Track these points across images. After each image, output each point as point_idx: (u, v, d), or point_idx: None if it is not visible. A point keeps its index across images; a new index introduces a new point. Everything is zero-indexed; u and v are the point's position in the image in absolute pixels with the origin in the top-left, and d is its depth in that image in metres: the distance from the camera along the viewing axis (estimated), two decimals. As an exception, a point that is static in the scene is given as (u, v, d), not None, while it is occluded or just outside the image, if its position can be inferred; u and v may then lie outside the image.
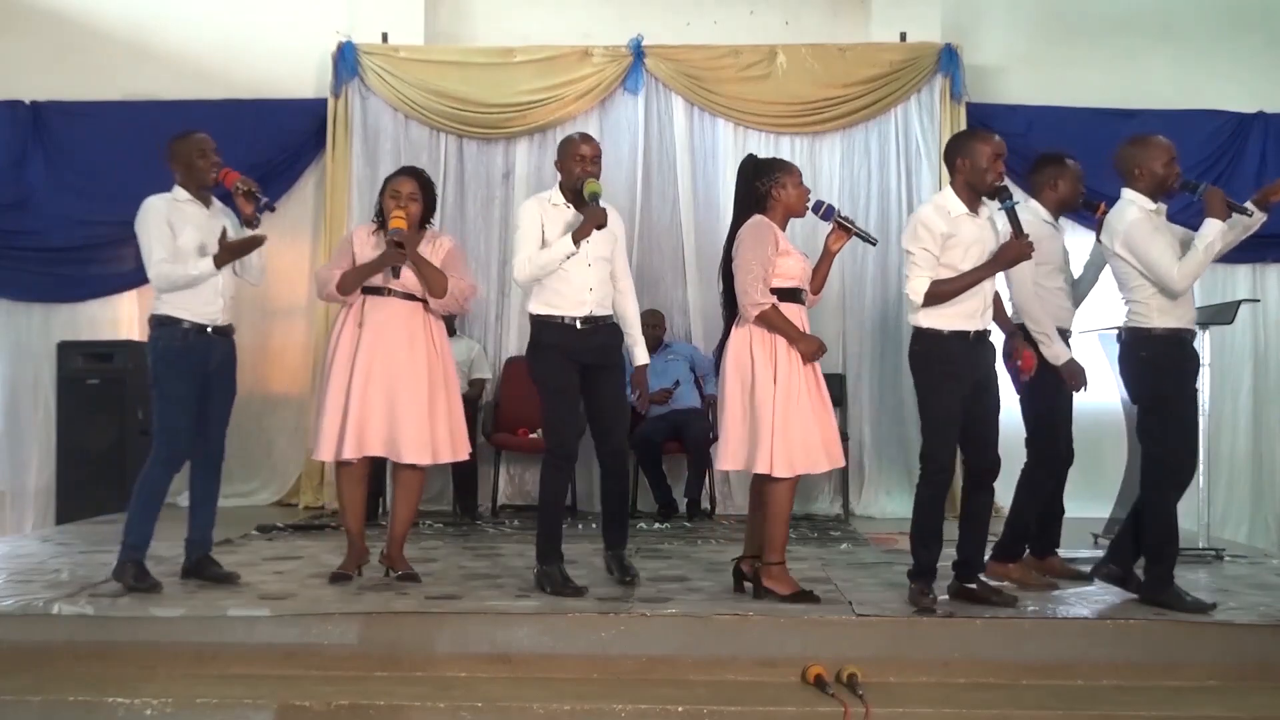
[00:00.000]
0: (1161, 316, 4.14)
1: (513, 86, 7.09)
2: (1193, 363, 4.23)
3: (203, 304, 4.35)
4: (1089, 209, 4.68)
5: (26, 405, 7.18)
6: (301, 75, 7.24)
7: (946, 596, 4.15)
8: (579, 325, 4.35)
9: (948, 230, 4.03)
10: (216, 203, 4.52)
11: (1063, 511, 4.75)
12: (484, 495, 6.74)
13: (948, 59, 7.03)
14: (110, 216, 6.58)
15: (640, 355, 4.59)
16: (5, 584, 4.41)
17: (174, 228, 4.32)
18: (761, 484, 4.22)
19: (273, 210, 4.41)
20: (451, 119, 7.13)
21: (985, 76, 7.19)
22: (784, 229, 4.26)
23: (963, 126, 6.93)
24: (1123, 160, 4.25)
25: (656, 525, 6.35)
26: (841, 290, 7.07)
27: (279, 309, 7.13)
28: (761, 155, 6.92)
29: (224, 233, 4.37)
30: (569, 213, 4.38)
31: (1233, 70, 7.17)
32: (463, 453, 4.55)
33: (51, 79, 7.20)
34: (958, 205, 4.09)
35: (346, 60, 7.11)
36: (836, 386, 6.92)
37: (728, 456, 4.19)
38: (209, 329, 4.37)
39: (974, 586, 4.14)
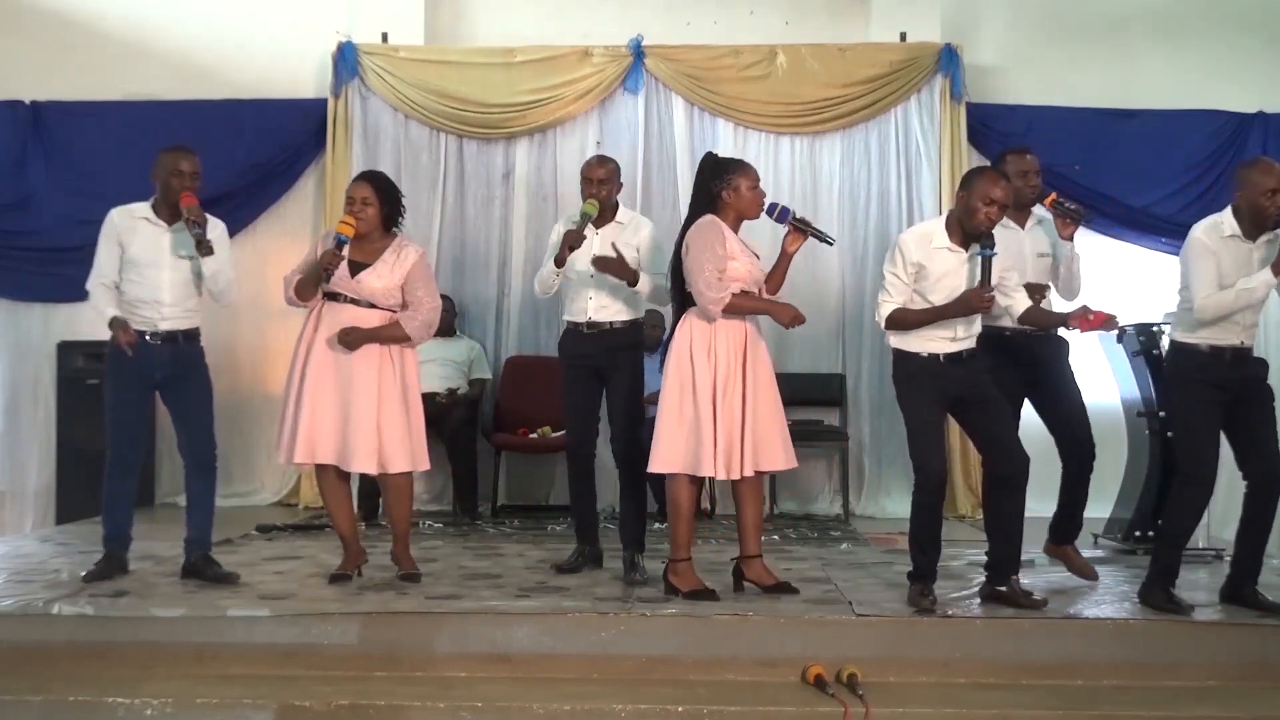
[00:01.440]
0: (1185, 331, 4.19)
1: (513, 86, 7.08)
2: (1200, 377, 4.13)
3: (137, 313, 4.44)
4: (1039, 200, 4.59)
5: (26, 405, 7.18)
6: (301, 75, 7.23)
7: (955, 596, 4.17)
8: (584, 330, 4.65)
9: (920, 260, 4.08)
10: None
11: (1084, 503, 4.70)
12: (484, 495, 6.74)
13: (948, 59, 7.02)
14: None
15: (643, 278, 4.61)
16: (5, 584, 4.42)
17: (124, 241, 4.46)
18: (740, 483, 4.28)
19: (204, 241, 4.35)
20: (451, 119, 7.13)
21: (985, 76, 7.18)
22: (737, 230, 4.28)
23: (963, 127, 6.95)
24: (1233, 178, 4.24)
25: (656, 525, 6.33)
26: (841, 290, 7.08)
27: (279, 310, 7.07)
28: (762, 155, 7.05)
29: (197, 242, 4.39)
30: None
31: (1233, 70, 7.15)
32: (421, 464, 4.52)
33: (51, 79, 7.19)
34: (941, 237, 4.13)
35: (346, 60, 7.10)
36: (836, 386, 6.96)
37: (660, 458, 4.19)
38: (148, 336, 4.43)
39: (1005, 589, 4.13)
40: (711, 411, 4.13)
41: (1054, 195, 4.47)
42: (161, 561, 4.83)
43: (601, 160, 4.79)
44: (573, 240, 4.53)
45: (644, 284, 4.60)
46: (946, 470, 4.23)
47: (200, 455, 4.59)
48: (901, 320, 4.11)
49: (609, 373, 4.67)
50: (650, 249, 4.73)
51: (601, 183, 4.67)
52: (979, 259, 4.03)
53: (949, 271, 4.07)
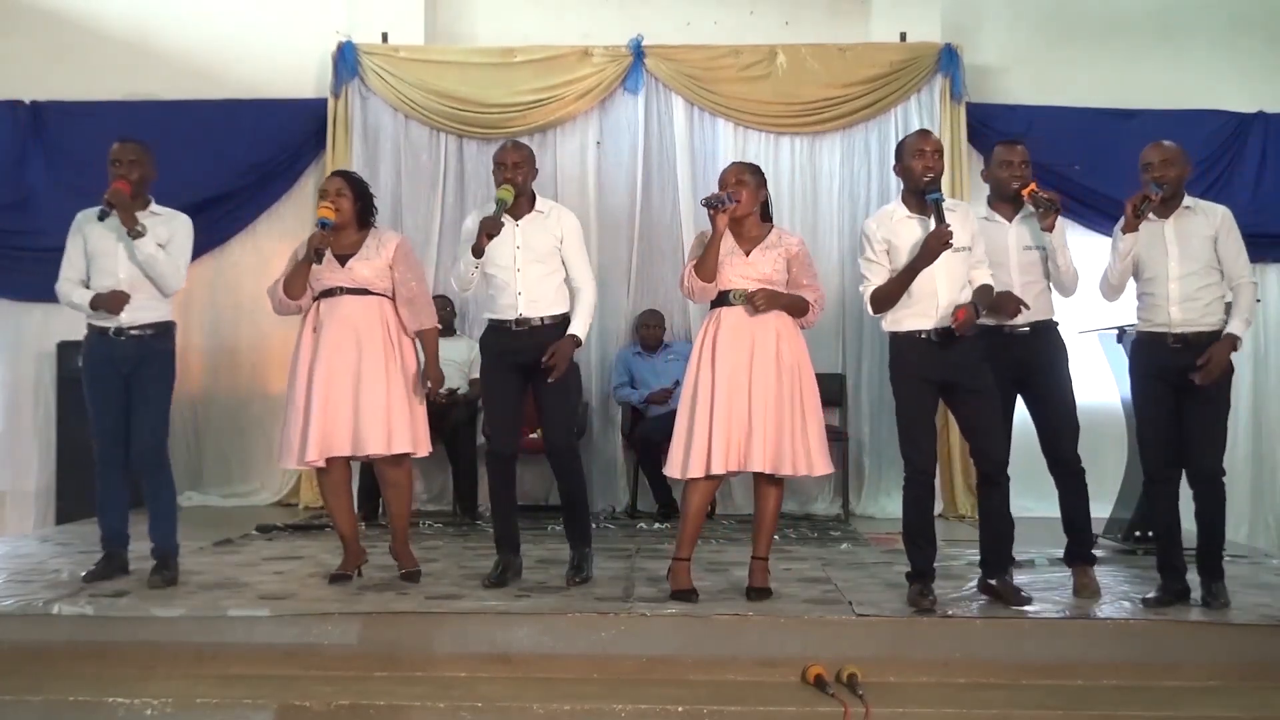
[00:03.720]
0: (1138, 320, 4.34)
1: (513, 86, 7.08)
2: (1142, 365, 4.28)
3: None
4: (1019, 191, 4.39)
5: (26, 405, 7.18)
6: (301, 75, 7.23)
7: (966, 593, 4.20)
8: (513, 327, 4.44)
9: (886, 236, 4.14)
10: (159, 209, 4.56)
11: (1082, 521, 4.53)
12: (484, 495, 6.73)
13: (948, 59, 7.02)
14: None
15: (574, 327, 4.45)
16: (5, 584, 4.42)
17: (85, 236, 4.51)
18: (757, 481, 4.30)
19: (102, 219, 4.38)
20: (451, 119, 7.13)
21: (985, 76, 7.18)
22: (743, 230, 4.23)
23: (963, 126, 6.96)
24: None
25: (656, 525, 6.35)
26: (841, 290, 7.07)
27: (279, 309, 7.15)
28: (762, 155, 7.05)
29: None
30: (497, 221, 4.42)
31: (1233, 70, 7.16)
32: (423, 449, 4.53)
33: (51, 79, 7.19)
34: (901, 210, 4.19)
35: (346, 60, 7.10)
36: (836, 386, 6.95)
37: (671, 462, 4.25)
38: (110, 331, 4.45)
39: (994, 583, 4.16)
40: (693, 411, 4.17)
41: (1032, 185, 4.34)
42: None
43: (516, 145, 4.55)
44: (490, 228, 4.28)
45: (581, 328, 4.44)
46: (934, 464, 4.21)
47: (144, 456, 4.51)
48: (882, 294, 4.13)
49: (539, 373, 4.39)
50: (575, 245, 4.50)
51: (516, 166, 4.40)
52: (932, 205, 4.04)
53: (917, 240, 4.08)
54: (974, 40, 7.21)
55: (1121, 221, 4.24)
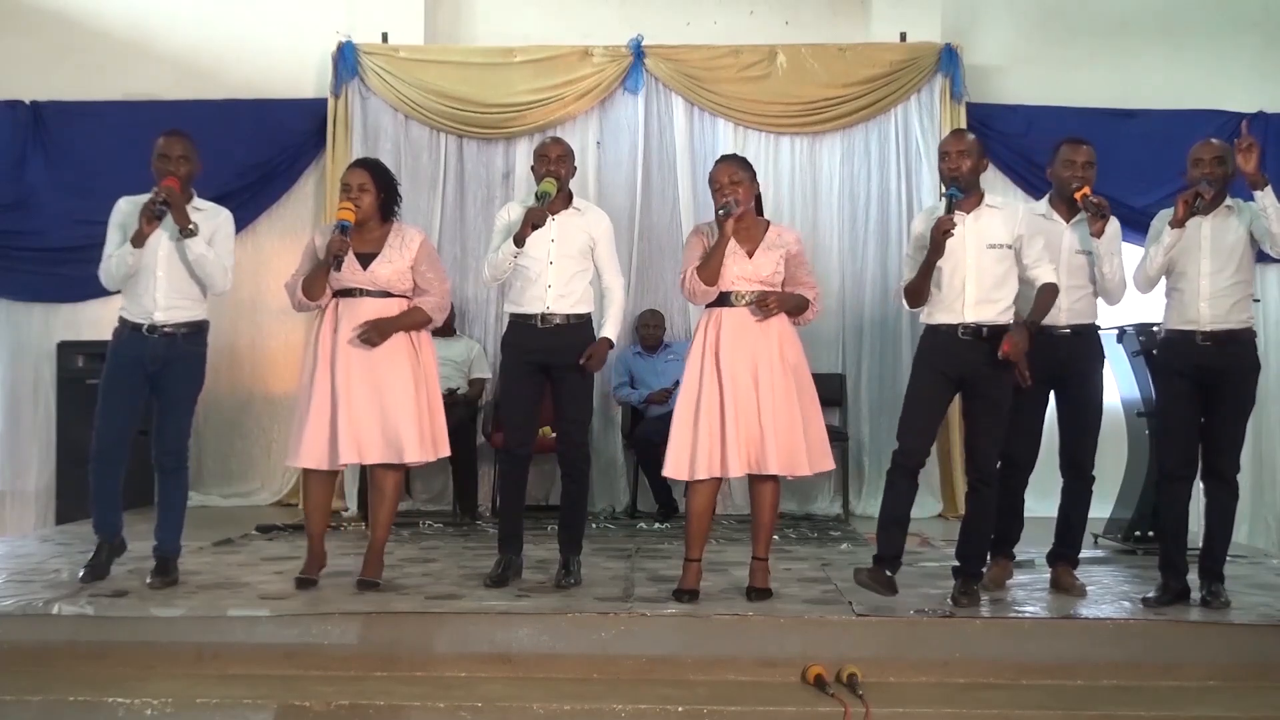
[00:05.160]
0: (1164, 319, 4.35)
1: (513, 86, 7.08)
2: (1169, 363, 4.29)
3: (135, 303, 4.42)
4: (1073, 194, 4.42)
5: (26, 405, 7.18)
6: (301, 75, 7.24)
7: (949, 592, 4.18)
8: (539, 324, 4.42)
9: (921, 231, 4.21)
10: (201, 203, 4.51)
11: (1076, 526, 4.60)
12: (484, 495, 6.74)
13: (948, 59, 7.02)
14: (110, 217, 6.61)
15: (606, 330, 4.50)
16: (5, 584, 4.41)
17: (126, 228, 4.39)
18: (752, 483, 4.29)
19: (158, 217, 4.30)
20: (451, 119, 7.13)
21: (985, 76, 7.19)
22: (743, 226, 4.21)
23: (963, 126, 6.94)
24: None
25: (656, 525, 6.35)
26: (841, 290, 7.07)
27: (279, 309, 7.09)
28: (762, 155, 7.05)
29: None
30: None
31: (1233, 70, 7.16)
32: (442, 451, 4.47)
33: (51, 79, 7.20)
34: (942, 208, 4.20)
35: (346, 60, 7.10)
36: (836, 386, 6.95)
37: (670, 463, 4.20)
38: (145, 328, 4.39)
39: (955, 584, 4.18)
40: (696, 412, 4.14)
41: (1085, 189, 4.34)
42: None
43: (556, 140, 4.61)
44: (536, 218, 4.29)
45: (613, 330, 4.50)
46: (919, 454, 4.17)
47: (165, 457, 4.46)
48: (909, 289, 4.21)
49: (560, 371, 4.43)
50: (608, 247, 4.54)
51: (560, 160, 4.44)
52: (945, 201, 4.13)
53: (955, 237, 4.08)
54: (974, 40, 7.21)
55: (1161, 217, 4.29)
